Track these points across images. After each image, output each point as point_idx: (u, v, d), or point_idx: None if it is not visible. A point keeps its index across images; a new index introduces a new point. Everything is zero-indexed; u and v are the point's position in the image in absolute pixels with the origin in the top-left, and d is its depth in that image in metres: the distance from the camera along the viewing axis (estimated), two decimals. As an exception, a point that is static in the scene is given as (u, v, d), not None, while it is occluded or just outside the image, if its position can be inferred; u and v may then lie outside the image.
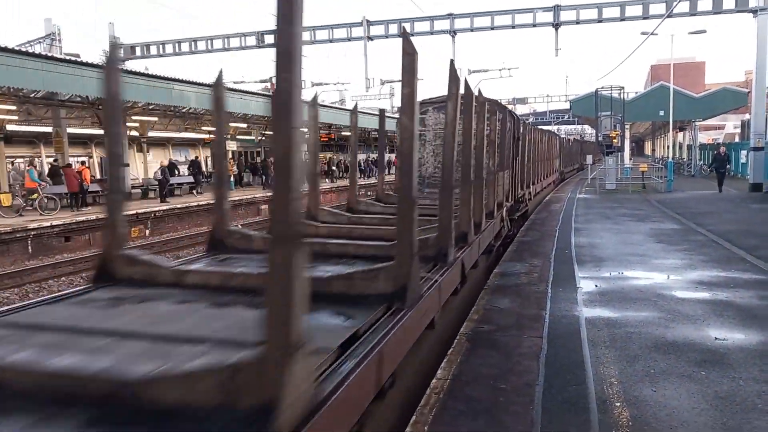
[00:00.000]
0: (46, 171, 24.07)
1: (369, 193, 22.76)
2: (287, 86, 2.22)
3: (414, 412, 4.06)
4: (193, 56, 32.66)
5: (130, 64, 30.31)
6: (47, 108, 23.05)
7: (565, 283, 7.97)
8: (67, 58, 19.63)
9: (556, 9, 26.95)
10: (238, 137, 34.49)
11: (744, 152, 30.20)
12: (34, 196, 19.59)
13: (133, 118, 25.85)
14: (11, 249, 15.49)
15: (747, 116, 36.21)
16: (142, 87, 20.43)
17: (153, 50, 32.92)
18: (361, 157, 42.27)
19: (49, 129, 24.58)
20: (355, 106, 9.42)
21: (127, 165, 24.02)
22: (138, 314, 3.59)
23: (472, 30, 28.59)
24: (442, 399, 4.26)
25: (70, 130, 24.29)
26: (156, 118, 27.71)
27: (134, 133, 28.15)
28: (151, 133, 29.35)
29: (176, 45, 32.47)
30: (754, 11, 23.21)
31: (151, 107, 24.34)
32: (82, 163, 24.28)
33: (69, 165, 22.31)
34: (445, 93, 5.61)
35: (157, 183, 24.90)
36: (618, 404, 4.11)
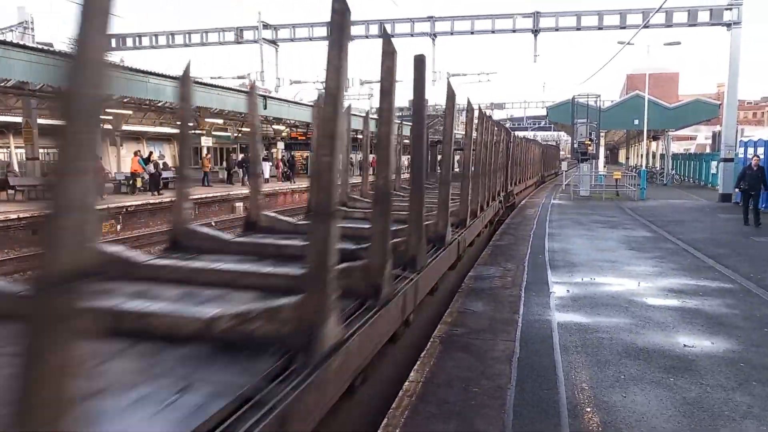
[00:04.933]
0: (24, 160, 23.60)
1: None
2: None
3: (386, 414, 4.03)
4: (171, 50, 32.24)
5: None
6: (17, 98, 22.49)
7: (539, 288, 8.02)
8: (40, 47, 19.18)
9: (536, 15, 27.21)
10: (214, 133, 34.11)
11: (714, 163, 30.84)
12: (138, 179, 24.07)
13: (107, 110, 25.36)
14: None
15: (718, 128, 36.98)
16: (116, 79, 20.05)
17: (129, 42, 32.42)
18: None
19: (18, 119, 24.01)
20: (367, 113, 11.42)
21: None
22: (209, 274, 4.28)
23: (452, 33, 28.71)
24: (413, 402, 4.23)
25: (40, 121, 23.78)
26: (131, 112, 27.25)
27: (108, 126, 27.63)
28: (124, 127, 28.86)
29: (153, 38, 32.02)
30: (728, 25, 23.72)
31: (125, 100, 23.91)
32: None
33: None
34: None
35: (149, 176, 24.50)
36: (588, 409, 4.13)
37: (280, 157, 37.48)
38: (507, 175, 16.29)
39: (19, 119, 23.94)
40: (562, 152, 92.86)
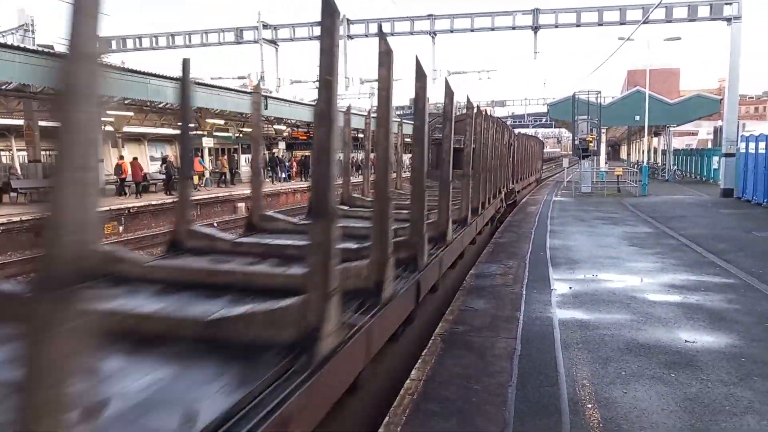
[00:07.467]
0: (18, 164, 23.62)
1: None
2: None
3: (387, 413, 4.04)
4: (172, 51, 32.27)
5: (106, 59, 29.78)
6: (19, 100, 22.55)
7: (540, 285, 8.02)
8: (40, 49, 19.20)
9: (536, 12, 27.18)
10: (215, 134, 34.11)
11: (716, 158, 30.78)
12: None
13: (108, 112, 25.35)
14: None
15: (720, 123, 36.92)
16: (117, 81, 20.07)
17: (129, 44, 32.47)
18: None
19: (20, 122, 24.04)
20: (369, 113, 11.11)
21: (101, 161, 23.72)
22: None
23: (452, 31, 28.71)
24: (415, 400, 4.24)
25: (42, 123, 23.81)
26: (132, 113, 27.26)
27: (109, 128, 27.63)
28: (126, 128, 28.86)
29: (153, 39, 32.08)
30: (728, 20, 23.68)
31: (126, 102, 23.93)
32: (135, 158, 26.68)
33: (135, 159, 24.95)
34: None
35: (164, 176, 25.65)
36: (589, 405, 4.14)
37: (297, 158, 39.99)
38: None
39: (20, 122, 23.98)
40: (559, 148, 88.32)
